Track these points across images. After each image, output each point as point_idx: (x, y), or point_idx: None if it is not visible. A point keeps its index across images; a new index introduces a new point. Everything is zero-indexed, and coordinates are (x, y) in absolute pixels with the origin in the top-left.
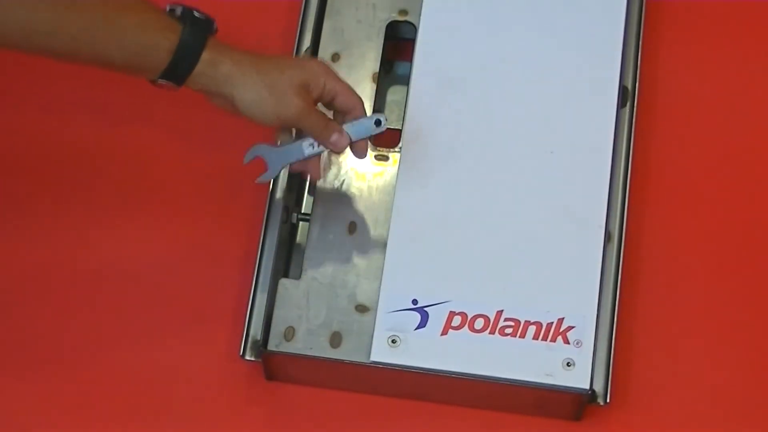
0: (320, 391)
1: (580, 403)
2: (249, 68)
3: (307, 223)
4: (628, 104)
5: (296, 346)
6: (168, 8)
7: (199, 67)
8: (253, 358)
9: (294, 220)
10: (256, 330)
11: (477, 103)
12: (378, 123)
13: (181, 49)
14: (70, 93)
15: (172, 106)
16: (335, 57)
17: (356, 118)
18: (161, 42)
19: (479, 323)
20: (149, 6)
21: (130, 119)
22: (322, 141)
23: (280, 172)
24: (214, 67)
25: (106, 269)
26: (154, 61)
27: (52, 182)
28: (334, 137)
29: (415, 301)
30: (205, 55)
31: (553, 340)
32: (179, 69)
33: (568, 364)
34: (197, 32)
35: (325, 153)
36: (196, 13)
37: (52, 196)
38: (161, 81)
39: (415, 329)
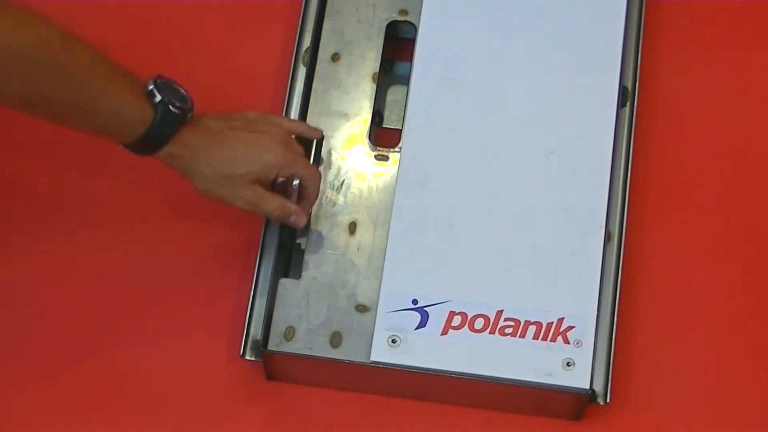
0: (320, 391)
1: (580, 403)
2: (203, 163)
3: (308, 223)
4: (628, 104)
5: (296, 346)
6: (150, 86)
7: (158, 154)
8: (253, 358)
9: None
10: (256, 330)
11: (477, 103)
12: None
13: (144, 140)
14: None
15: None
16: (335, 57)
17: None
18: (128, 127)
19: (479, 323)
20: (128, 85)
21: None
22: (280, 222)
23: None
24: (171, 158)
25: (106, 269)
26: (119, 137)
27: (51, 181)
28: (292, 219)
29: (415, 301)
30: (167, 148)
31: (553, 340)
32: (140, 150)
33: (568, 364)
34: (164, 128)
35: (325, 153)
36: (171, 107)
37: (51, 194)
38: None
39: (415, 329)
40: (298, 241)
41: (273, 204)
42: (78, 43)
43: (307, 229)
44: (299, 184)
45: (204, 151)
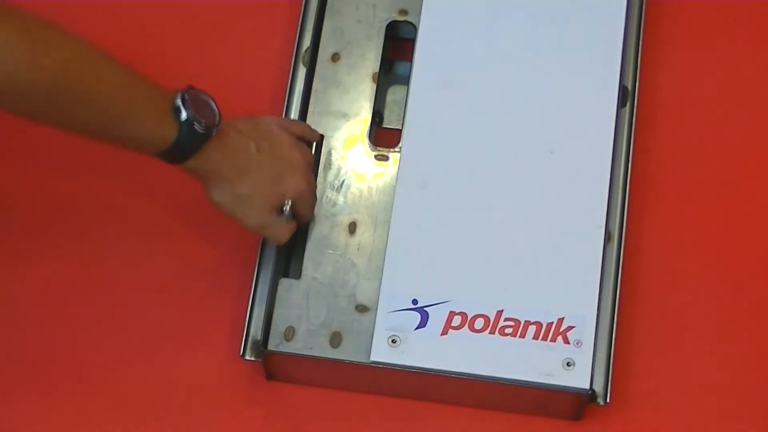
0: (320, 391)
1: (580, 403)
2: (225, 182)
3: (307, 223)
4: (628, 104)
5: (296, 346)
6: (177, 101)
7: (181, 166)
8: (253, 358)
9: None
10: (256, 330)
11: (477, 103)
12: None
13: (166, 155)
14: None
15: None
16: (335, 57)
17: None
18: (151, 146)
19: (479, 323)
20: (153, 103)
21: None
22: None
23: None
24: (194, 170)
25: (106, 269)
26: (142, 152)
27: (51, 189)
28: (281, 243)
29: (415, 301)
30: (190, 162)
31: (553, 340)
32: (164, 160)
33: (568, 364)
34: (188, 146)
35: (325, 153)
36: (197, 125)
37: (51, 199)
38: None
39: (415, 329)
40: (298, 241)
41: (277, 231)
42: (102, 62)
43: (306, 230)
44: (292, 205)
45: (227, 172)
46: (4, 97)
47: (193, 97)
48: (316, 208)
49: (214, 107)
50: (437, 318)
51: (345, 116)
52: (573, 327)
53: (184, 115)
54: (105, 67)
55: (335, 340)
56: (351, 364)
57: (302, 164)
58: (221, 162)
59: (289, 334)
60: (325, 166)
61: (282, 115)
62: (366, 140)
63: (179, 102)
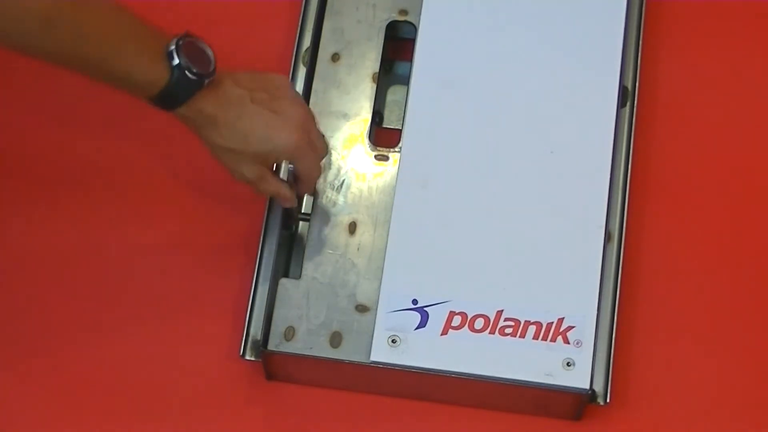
0: (320, 391)
1: (580, 403)
2: (215, 133)
3: (307, 223)
4: (628, 104)
5: (296, 346)
6: (171, 47)
7: (173, 113)
8: (253, 358)
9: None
10: (256, 330)
11: (477, 103)
12: None
13: (157, 101)
14: (70, 89)
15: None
16: (335, 57)
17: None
18: (140, 89)
19: (479, 323)
20: (145, 46)
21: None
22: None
23: None
24: (185, 119)
25: (106, 269)
26: (133, 95)
27: (50, 183)
28: (287, 204)
29: (415, 301)
30: (181, 110)
31: (553, 340)
32: (156, 106)
33: (568, 364)
34: (178, 92)
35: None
36: (188, 73)
37: (51, 197)
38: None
39: (415, 329)
40: (297, 241)
41: (271, 187)
42: (95, 1)
43: (306, 230)
44: (293, 170)
45: (218, 122)
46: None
47: (188, 44)
48: (316, 207)
49: (210, 56)
50: (437, 318)
51: (345, 116)
52: (573, 327)
53: (176, 60)
54: (96, 4)
55: (335, 340)
56: (351, 364)
57: (302, 120)
58: (211, 114)
59: (289, 334)
60: (325, 166)
61: None
62: (366, 140)
63: (173, 47)
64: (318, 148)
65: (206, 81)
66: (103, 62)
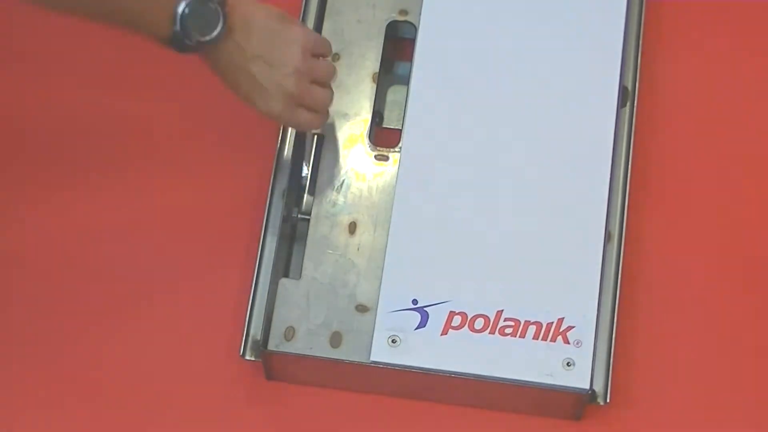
0: (320, 391)
1: (580, 403)
2: (236, 67)
3: (307, 223)
4: (628, 104)
5: (296, 346)
6: (178, 8)
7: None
8: (253, 358)
9: (294, 221)
10: (256, 330)
11: (477, 103)
12: None
13: (172, 42)
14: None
15: (170, 104)
16: (335, 57)
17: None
18: (148, 37)
19: (479, 323)
20: (158, 4)
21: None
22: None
23: None
24: (205, 58)
25: (106, 269)
26: (143, 37)
27: (51, 184)
28: (316, 131)
29: (415, 301)
30: (189, 56)
31: (553, 340)
32: (174, 49)
33: (568, 364)
34: (180, 50)
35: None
36: (187, 41)
37: (51, 197)
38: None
39: (415, 329)
40: (297, 241)
41: (299, 116)
42: None
43: (306, 230)
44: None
45: (223, 76)
46: None
47: (194, 11)
48: (316, 207)
49: (218, 15)
50: (437, 318)
51: (345, 116)
52: (573, 327)
53: (178, 26)
54: None
55: (335, 340)
56: (351, 364)
57: (293, 80)
58: (215, 69)
59: (289, 334)
60: (325, 166)
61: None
62: (366, 140)
63: (181, 8)
64: (316, 98)
65: (206, 47)
66: (112, 13)
